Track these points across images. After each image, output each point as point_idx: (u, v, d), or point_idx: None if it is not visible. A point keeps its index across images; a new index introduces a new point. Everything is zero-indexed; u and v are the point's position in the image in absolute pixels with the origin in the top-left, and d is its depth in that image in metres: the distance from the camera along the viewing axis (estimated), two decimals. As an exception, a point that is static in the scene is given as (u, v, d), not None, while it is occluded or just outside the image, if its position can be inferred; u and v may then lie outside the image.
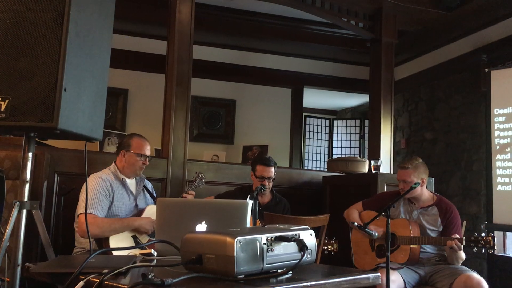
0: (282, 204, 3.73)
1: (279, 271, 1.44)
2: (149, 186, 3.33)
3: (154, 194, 3.32)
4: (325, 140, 8.36)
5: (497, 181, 4.61)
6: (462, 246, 2.93)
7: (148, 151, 3.14)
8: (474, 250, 2.93)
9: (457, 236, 2.98)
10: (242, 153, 6.58)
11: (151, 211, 3.03)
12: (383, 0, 4.86)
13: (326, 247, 3.16)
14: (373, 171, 4.19)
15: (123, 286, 1.32)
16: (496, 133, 4.67)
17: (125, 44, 5.83)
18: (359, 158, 5.16)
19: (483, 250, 2.92)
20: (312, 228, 1.62)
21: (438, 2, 4.91)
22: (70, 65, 1.65)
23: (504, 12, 4.83)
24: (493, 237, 2.90)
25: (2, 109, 1.61)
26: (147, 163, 3.14)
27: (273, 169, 3.61)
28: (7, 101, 1.62)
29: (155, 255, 1.97)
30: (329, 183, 4.52)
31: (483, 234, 2.93)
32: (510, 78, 4.67)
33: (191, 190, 3.41)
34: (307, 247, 1.48)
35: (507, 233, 4.95)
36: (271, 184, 3.62)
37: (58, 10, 1.65)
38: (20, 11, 1.66)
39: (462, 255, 3.02)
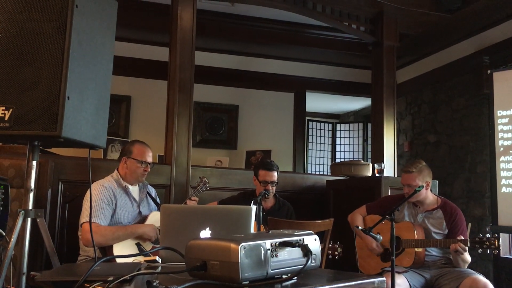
0: (286, 208, 3.72)
1: (283, 276, 1.44)
2: (153, 192, 3.32)
3: (158, 201, 3.31)
4: (328, 144, 8.35)
5: (502, 183, 4.59)
6: (467, 248, 2.92)
7: (149, 157, 3.12)
8: (479, 251, 2.92)
9: (462, 238, 2.97)
10: (245, 158, 6.59)
11: (154, 217, 3.02)
12: (384, 4, 4.87)
13: (330, 252, 3.15)
14: (377, 175, 4.17)
15: (128, 293, 1.32)
16: (500, 134, 4.65)
17: (127, 51, 5.86)
18: (362, 161, 5.15)
19: (488, 251, 2.90)
20: (317, 233, 1.61)
21: (439, 5, 4.91)
22: (73, 74, 1.66)
23: (505, 14, 4.82)
24: (498, 238, 2.89)
25: (6, 118, 1.62)
26: (149, 169, 3.12)
27: (275, 173, 3.61)
28: (11, 110, 1.63)
29: (160, 262, 1.97)
30: (333, 187, 4.51)
31: (488, 235, 2.92)
32: (513, 79, 4.66)
33: (194, 196, 3.40)
34: (311, 252, 1.48)
35: (513, 235, 4.93)
36: (274, 188, 3.61)
37: (60, 20, 1.66)
38: (22, 21, 1.67)
39: (468, 257, 3.01)
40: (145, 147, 3.14)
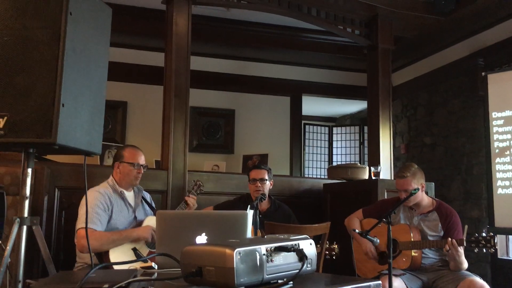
0: (282, 210, 3.71)
1: (279, 281, 1.44)
2: (148, 197, 3.33)
3: (153, 206, 3.32)
4: (324, 147, 8.35)
5: (498, 184, 4.60)
6: (461, 248, 2.92)
7: (141, 160, 3.13)
8: (476, 250, 2.91)
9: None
10: (242, 162, 6.58)
11: (150, 222, 3.03)
12: (379, 7, 4.89)
13: (327, 252, 3.16)
14: (373, 178, 4.18)
15: (123, 300, 1.31)
16: (495, 136, 4.67)
17: (123, 57, 5.86)
18: (359, 164, 5.16)
19: (484, 250, 2.90)
20: (313, 237, 1.61)
21: (433, 8, 4.93)
22: (67, 81, 1.66)
23: (499, 16, 4.85)
24: (493, 236, 2.89)
25: (1, 126, 1.62)
26: (142, 171, 3.12)
27: (264, 172, 3.63)
28: (5, 118, 1.63)
29: (156, 268, 1.96)
30: (330, 191, 4.51)
31: (483, 234, 2.92)
32: (507, 81, 4.69)
33: (192, 195, 3.42)
34: (306, 257, 1.47)
35: (510, 236, 4.94)
36: (264, 186, 3.60)
37: (54, 27, 1.66)
38: (17, 29, 1.68)
39: (464, 262, 3.01)
40: (136, 150, 3.16)
